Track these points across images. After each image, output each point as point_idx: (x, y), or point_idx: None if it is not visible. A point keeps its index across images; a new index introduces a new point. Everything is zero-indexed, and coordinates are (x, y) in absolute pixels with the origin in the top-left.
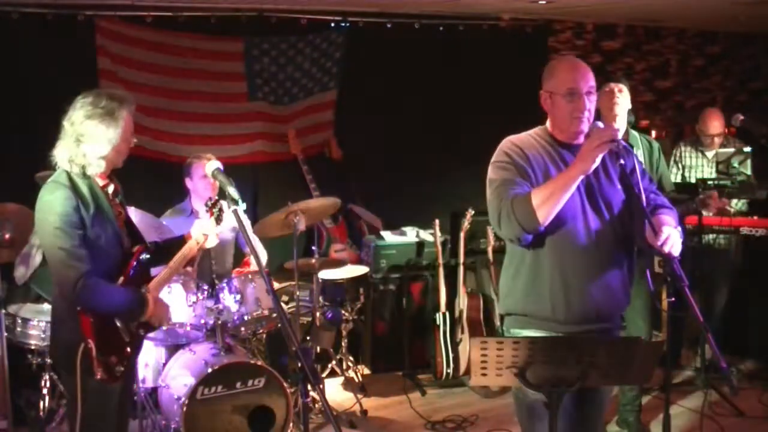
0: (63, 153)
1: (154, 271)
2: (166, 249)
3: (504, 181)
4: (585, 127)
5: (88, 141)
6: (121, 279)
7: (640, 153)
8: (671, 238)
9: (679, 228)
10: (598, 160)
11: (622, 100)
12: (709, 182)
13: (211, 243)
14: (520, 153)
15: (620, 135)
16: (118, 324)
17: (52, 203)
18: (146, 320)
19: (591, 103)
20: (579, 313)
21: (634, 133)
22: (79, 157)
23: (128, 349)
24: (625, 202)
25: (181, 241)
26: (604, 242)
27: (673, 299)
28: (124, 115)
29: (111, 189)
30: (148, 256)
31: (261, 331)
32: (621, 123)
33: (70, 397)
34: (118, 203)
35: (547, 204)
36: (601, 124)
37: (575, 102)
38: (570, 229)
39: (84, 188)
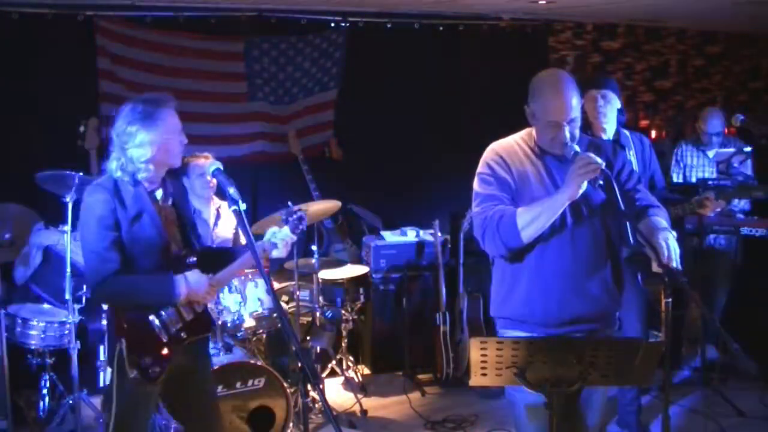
0: (113, 163)
1: None
2: (216, 257)
3: (487, 197)
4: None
5: (131, 146)
6: None
7: (631, 152)
8: (672, 251)
9: (674, 233)
10: (584, 186)
11: (605, 108)
12: (710, 182)
13: (280, 253)
14: (502, 164)
15: (611, 135)
16: (156, 324)
17: (92, 206)
18: (187, 301)
19: (575, 129)
20: (556, 317)
21: (626, 132)
22: (128, 164)
23: (165, 351)
24: (608, 203)
25: (229, 252)
26: (584, 246)
27: (671, 299)
28: (163, 116)
29: (160, 193)
30: (194, 260)
31: (261, 331)
32: (608, 126)
33: (107, 392)
34: (168, 207)
35: (532, 226)
36: (576, 148)
37: (556, 132)
38: (550, 235)
39: (128, 192)
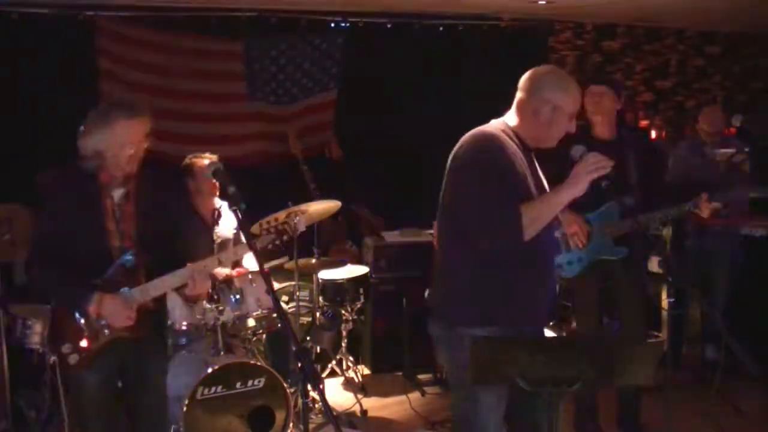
0: None
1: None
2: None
3: (488, 189)
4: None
5: (81, 142)
6: (100, 279)
7: (630, 154)
8: None
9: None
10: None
11: (606, 103)
12: (709, 183)
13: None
14: (502, 154)
15: (608, 135)
16: (77, 315)
17: None
18: (96, 317)
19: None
20: (531, 314)
21: (625, 133)
22: (84, 158)
23: (84, 342)
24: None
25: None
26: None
27: (673, 299)
28: (114, 120)
29: (116, 189)
30: (129, 259)
31: (261, 331)
32: (607, 123)
33: None
34: (125, 203)
35: (535, 224)
36: (581, 148)
37: (571, 124)
38: (545, 234)
39: (83, 182)
